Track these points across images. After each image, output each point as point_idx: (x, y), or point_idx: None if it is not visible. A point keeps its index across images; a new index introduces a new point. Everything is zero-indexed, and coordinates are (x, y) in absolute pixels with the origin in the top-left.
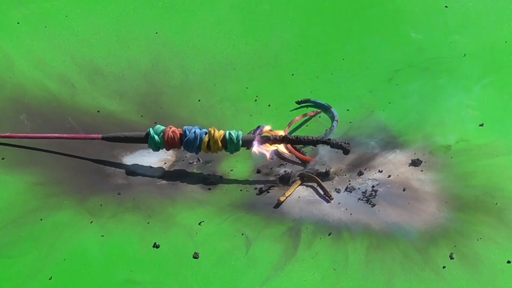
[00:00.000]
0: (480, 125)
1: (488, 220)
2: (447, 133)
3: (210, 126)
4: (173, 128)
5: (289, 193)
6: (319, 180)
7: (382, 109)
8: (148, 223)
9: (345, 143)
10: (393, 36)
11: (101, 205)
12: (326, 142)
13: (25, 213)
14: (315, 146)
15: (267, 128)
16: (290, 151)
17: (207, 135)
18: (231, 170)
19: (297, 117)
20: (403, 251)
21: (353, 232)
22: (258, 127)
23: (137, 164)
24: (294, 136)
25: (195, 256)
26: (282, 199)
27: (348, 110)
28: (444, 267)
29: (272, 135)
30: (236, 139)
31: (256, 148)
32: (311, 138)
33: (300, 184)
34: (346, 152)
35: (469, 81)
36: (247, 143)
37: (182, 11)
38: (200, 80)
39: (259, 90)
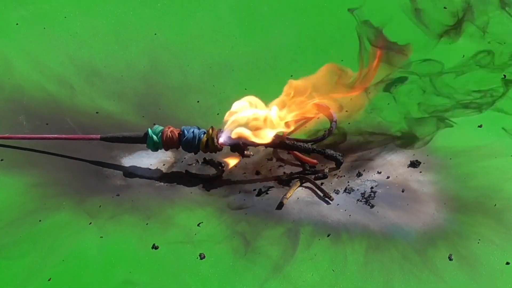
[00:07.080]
0: (479, 126)
1: (487, 222)
2: (446, 134)
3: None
4: (172, 128)
5: (290, 194)
6: (316, 183)
7: (381, 110)
8: (147, 224)
9: (339, 155)
10: (392, 37)
11: (99, 206)
12: (321, 152)
13: (24, 214)
14: (309, 154)
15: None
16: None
17: (205, 134)
18: (230, 172)
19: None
20: (402, 252)
21: (352, 234)
22: None
23: (136, 166)
24: (291, 141)
25: (201, 256)
26: (285, 201)
27: (346, 111)
28: (442, 269)
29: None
30: None
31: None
32: (307, 146)
33: (299, 186)
34: (339, 164)
35: (468, 82)
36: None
37: (181, 12)
38: (198, 81)
39: (258, 92)
